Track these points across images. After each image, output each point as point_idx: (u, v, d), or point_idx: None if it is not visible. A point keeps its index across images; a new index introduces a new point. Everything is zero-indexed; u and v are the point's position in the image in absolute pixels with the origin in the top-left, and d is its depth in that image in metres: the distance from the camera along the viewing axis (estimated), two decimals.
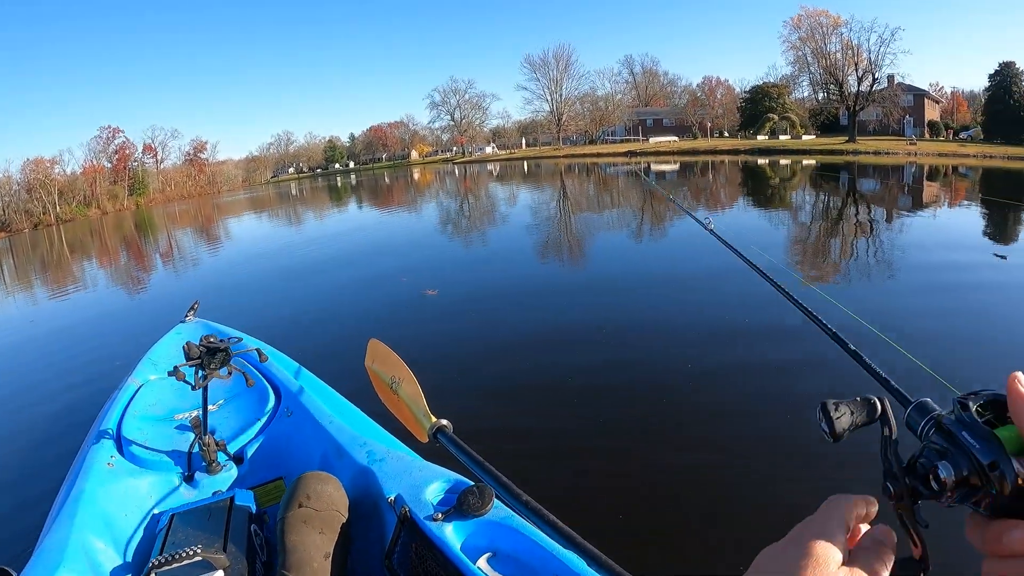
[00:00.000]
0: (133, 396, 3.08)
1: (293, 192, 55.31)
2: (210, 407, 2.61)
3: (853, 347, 0.72)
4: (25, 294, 15.35)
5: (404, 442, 2.59)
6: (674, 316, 7.25)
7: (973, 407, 0.51)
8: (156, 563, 1.69)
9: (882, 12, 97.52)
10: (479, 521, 1.80)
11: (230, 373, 2.49)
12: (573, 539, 1.54)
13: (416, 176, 58.89)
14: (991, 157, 35.89)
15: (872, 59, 49.96)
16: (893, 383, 0.69)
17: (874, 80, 50.35)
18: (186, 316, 4.12)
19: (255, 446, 2.68)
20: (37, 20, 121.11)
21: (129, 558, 2.03)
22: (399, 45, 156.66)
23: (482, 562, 1.69)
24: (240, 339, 2.77)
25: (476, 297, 8.98)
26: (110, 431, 2.69)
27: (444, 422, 2.24)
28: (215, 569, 1.73)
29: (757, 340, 6.10)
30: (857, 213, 16.06)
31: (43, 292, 15.23)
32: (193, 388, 2.44)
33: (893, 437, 0.55)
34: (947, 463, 0.50)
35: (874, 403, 0.58)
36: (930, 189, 22.04)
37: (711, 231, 2.58)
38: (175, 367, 2.37)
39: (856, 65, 50.87)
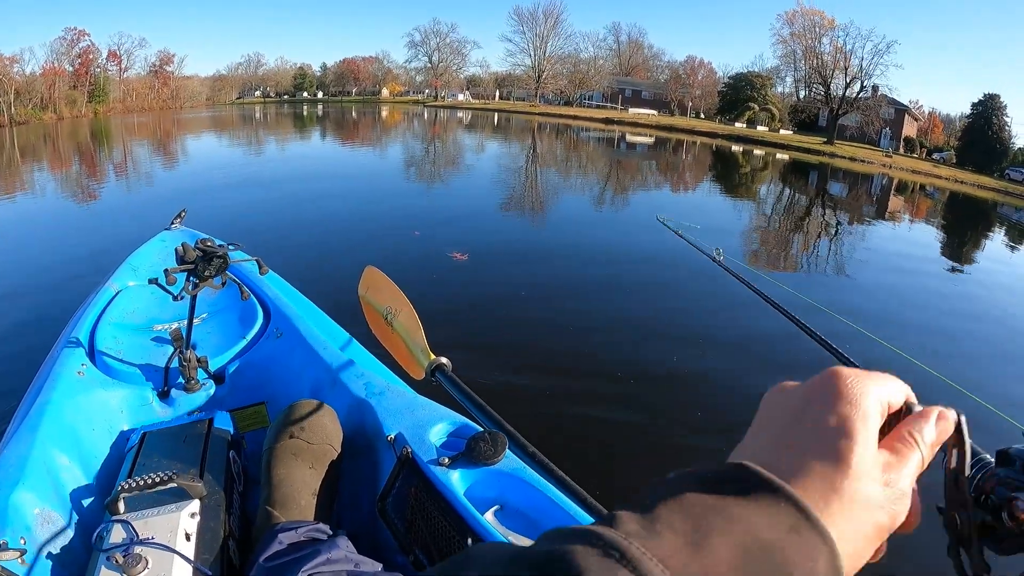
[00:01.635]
0: (109, 303, 2.87)
1: (256, 116, 55.33)
2: (194, 320, 2.41)
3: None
4: None
5: (402, 379, 2.34)
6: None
7: None
8: (126, 486, 1.51)
9: (875, 23, 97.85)
10: (489, 470, 1.68)
11: (224, 283, 2.27)
12: (583, 497, 1.41)
13: (384, 114, 58.77)
14: (962, 183, 37.08)
15: (863, 66, 50.31)
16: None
17: (862, 87, 50.78)
18: (172, 223, 3.89)
19: (237, 366, 2.48)
20: None
21: (94, 477, 1.88)
22: None
23: (489, 515, 1.60)
24: (239, 246, 2.37)
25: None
26: (82, 338, 2.49)
27: (444, 360, 2.03)
28: (190, 498, 1.56)
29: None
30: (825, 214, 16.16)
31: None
32: (176, 298, 2.22)
33: (965, 468, 0.44)
34: None
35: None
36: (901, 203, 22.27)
37: (720, 263, 2.52)
38: (165, 270, 2.15)
39: (846, 69, 51.12)
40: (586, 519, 1.43)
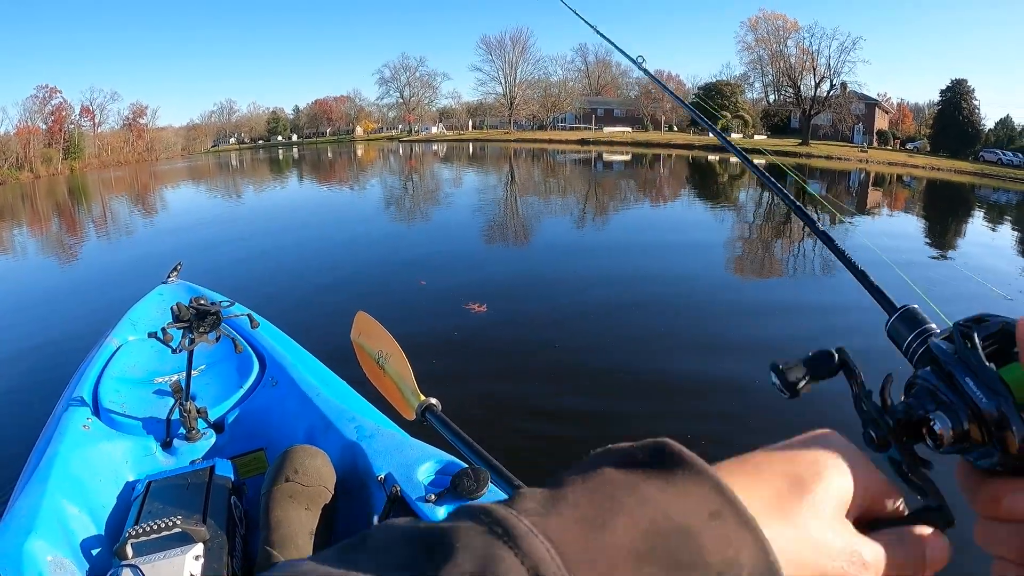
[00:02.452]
0: (111, 357, 2.98)
1: (233, 163, 55.09)
2: (192, 372, 2.49)
3: (841, 247, 0.65)
4: None
5: (392, 421, 2.47)
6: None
7: (978, 341, 0.41)
8: (133, 533, 1.61)
9: (839, 21, 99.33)
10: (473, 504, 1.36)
11: (218, 338, 2.40)
12: None
13: (359, 152, 58.76)
14: (938, 169, 37.42)
15: (831, 65, 50.87)
16: (876, 283, 0.58)
17: (832, 86, 51.31)
18: (168, 277, 4.02)
19: (236, 415, 2.59)
20: None
21: (103, 525, 1.94)
22: (349, 16, 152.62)
23: None
24: (231, 303, 2.63)
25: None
26: (86, 393, 2.60)
27: (433, 400, 2.16)
28: (195, 542, 1.64)
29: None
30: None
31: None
32: (174, 351, 2.36)
33: (864, 389, 0.44)
34: (943, 414, 0.41)
35: (830, 354, 0.46)
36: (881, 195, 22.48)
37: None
38: (162, 328, 2.31)
39: (814, 70, 51.71)
40: None
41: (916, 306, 0.48)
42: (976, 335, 0.41)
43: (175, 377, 2.57)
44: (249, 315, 2.64)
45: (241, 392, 2.69)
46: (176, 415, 2.41)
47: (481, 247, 11.24)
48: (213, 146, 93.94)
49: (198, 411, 2.43)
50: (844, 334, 5.96)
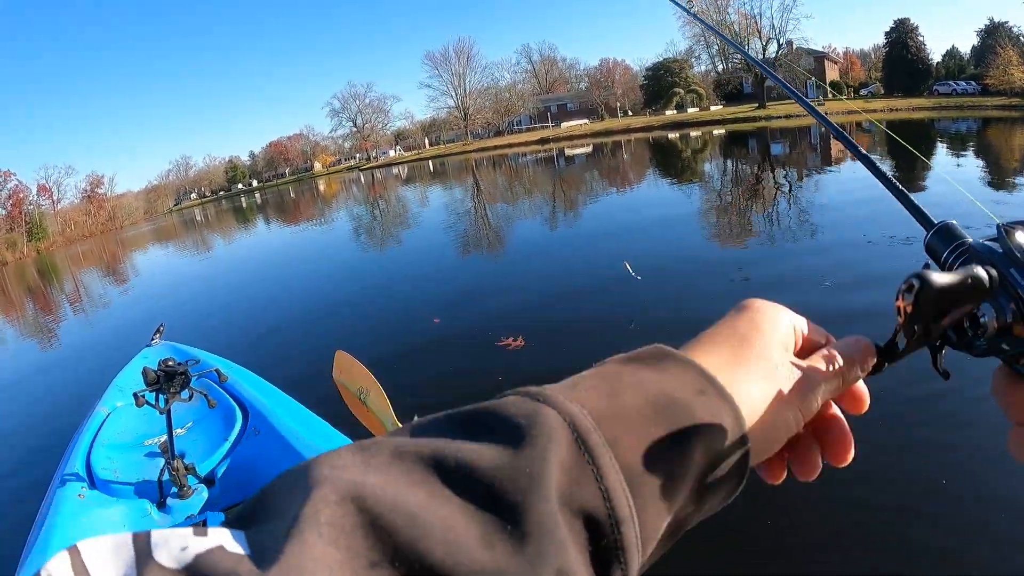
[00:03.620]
0: (101, 425, 3.06)
1: (197, 218, 54.97)
2: (178, 430, 2.54)
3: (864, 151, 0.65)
4: None
5: None
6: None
7: (1021, 235, 0.41)
8: None
9: None
10: None
11: (191, 396, 2.44)
12: None
13: (322, 188, 58.51)
14: (897, 110, 38.01)
15: (775, 25, 51.98)
16: (915, 200, 0.57)
17: (779, 46, 52.29)
18: (152, 339, 4.08)
19: (225, 467, 2.63)
20: None
21: None
22: (293, 54, 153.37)
23: None
24: (198, 361, 2.65)
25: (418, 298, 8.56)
26: (79, 463, 2.66)
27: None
28: None
29: None
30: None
31: None
32: (161, 412, 2.39)
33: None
34: (988, 304, 0.40)
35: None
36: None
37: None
38: (134, 393, 2.34)
39: (759, 33, 52.67)
40: None
41: (954, 221, 0.49)
42: (1020, 233, 0.41)
43: (163, 438, 2.61)
44: (217, 369, 2.66)
45: (227, 445, 2.75)
46: (167, 476, 2.45)
47: (454, 261, 11.19)
48: (175, 204, 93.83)
49: (187, 468, 2.48)
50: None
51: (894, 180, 0.60)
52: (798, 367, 0.43)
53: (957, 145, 18.68)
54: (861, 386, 0.47)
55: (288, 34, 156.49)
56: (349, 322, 8.14)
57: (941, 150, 18.27)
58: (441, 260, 11.26)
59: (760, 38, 52.39)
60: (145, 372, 2.38)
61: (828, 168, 16.40)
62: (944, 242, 0.48)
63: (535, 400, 0.33)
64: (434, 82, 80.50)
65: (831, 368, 0.43)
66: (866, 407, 0.46)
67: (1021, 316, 0.38)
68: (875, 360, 0.44)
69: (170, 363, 2.43)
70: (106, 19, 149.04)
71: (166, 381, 2.39)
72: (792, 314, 0.46)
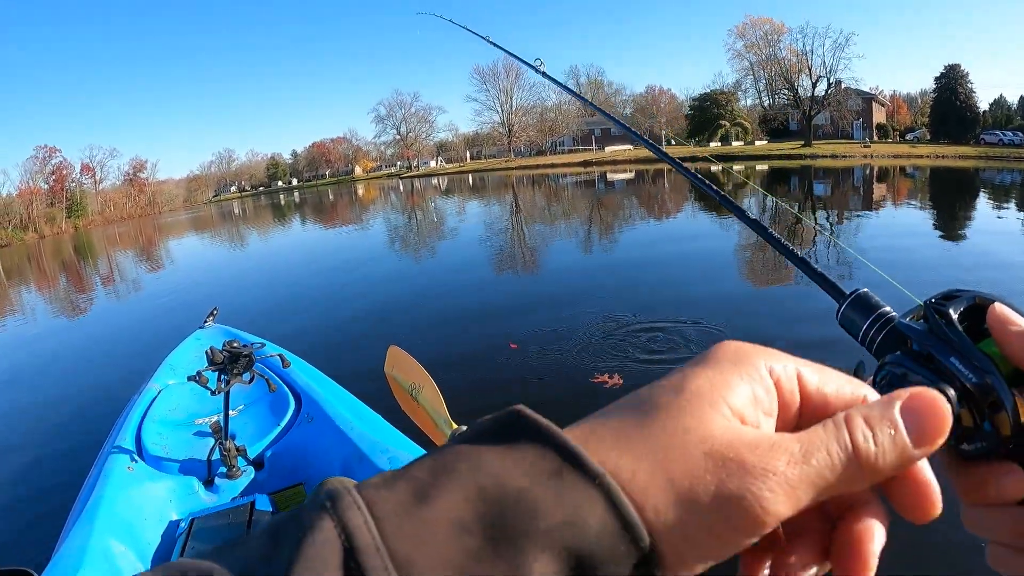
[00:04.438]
0: (152, 401, 3.12)
1: (235, 211, 55.12)
2: (231, 412, 2.60)
3: (776, 235, 0.56)
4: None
5: (426, 450, 2.48)
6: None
7: (955, 316, 0.38)
8: None
9: (819, 20, 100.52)
10: None
11: (252, 378, 2.52)
12: None
13: (360, 192, 58.62)
14: (943, 157, 37.70)
15: (827, 64, 51.46)
16: (819, 269, 0.54)
17: (829, 84, 51.86)
18: (205, 322, 4.24)
19: (274, 451, 2.70)
20: None
21: (148, 562, 2.04)
22: (342, 58, 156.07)
23: None
24: (263, 344, 2.75)
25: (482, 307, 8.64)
26: (130, 436, 2.74)
27: (465, 428, 2.10)
28: None
29: None
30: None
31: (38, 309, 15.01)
32: (213, 393, 2.46)
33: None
34: None
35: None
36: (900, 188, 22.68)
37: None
38: (198, 372, 2.41)
39: (810, 70, 52.33)
40: None
41: (867, 289, 0.46)
42: (951, 310, 0.38)
43: (214, 418, 2.70)
44: (281, 355, 2.75)
45: (278, 429, 2.81)
46: (216, 454, 2.52)
47: (530, 283, 10.46)
48: (214, 196, 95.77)
49: (238, 449, 2.55)
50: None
51: (795, 251, 0.57)
52: (753, 441, 0.29)
53: (1000, 196, 18.78)
54: (925, 474, 0.32)
55: (340, 37, 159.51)
56: (393, 317, 8.42)
57: (982, 201, 18.33)
58: (512, 279, 10.84)
59: (810, 75, 52.28)
60: (212, 352, 2.45)
61: (865, 212, 16.50)
62: (862, 313, 0.44)
63: (323, 508, 0.26)
64: (481, 96, 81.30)
65: (840, 442, 0.29)
66: (934, 508, 0.31)
67: (964, 401, 0.35)
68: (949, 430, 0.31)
69: (235, 345, 2.51)
70: (167, 11, 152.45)
71: (231, 362, 2.46)
72: (777, 357, 0.33)
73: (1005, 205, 16.34)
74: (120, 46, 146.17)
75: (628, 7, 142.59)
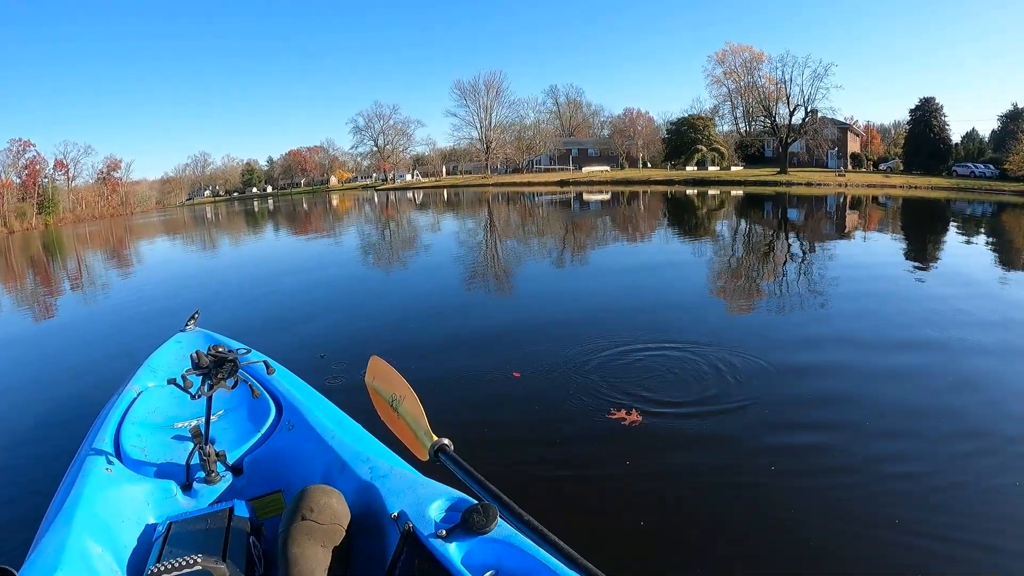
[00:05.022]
0: (132, 403, 3.11)
1: (209, 216, 55.09)
2: (211, 417, 2.60)
3: None
4: None
5: (406, 460, 2.55)
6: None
7: None
8: (155, 571, 1.69)
9: (798, 48, 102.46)
10: (483, 539, 1.79)
11: (236, 384, 2.51)
12: (576, 559, 1.59)
13: (335, 203, 58.74)
14: (915, 188, 38.71)
15: (804, 92, 52.41)
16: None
17: (807, 113, 52.75)
18: (186, 325, 4.20)
19: (254, 457, 2.67)
20: None
21: (125, 565, 2.03)
22: (322, 68, 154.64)
23: None
24: (248, 350, 2.70)
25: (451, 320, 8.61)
26: (108, 437, 2.71)
27: (446, 441, 2.31)
28: None
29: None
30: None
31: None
32: (193, 397, 2.45)
33: None
34: None
35: None
36: (871, 215, 23.12)
37: None
38: (182, 375, 2.37)
39: (788, 99, 53.18)
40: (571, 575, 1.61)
41: None
42: None
43: (194, 422, 2.70)
44: (265, 362, 2.78)
45: (258, 436, 2.80)
46: (196, 459, 2.52)
47: (488, 299, 10.31)
48: (188, 199, 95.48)
49: (217, 455, 2.54)
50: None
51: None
52: None
53: (971, 227, 19.19)
54: None
55: (321, 46, 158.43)
56: (372, 329, 8.33)
57: (952, 231, 18.75)
58: (507, 301, 10.10)
59: (788, 104, 52.98)
60: (198, 356, 2.45)
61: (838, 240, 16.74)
62: None
63: None
64: (460, 111, 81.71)
65: None
66: None
67: None
68: None
69: (220, 349, 2.50)
70: (150, 11, 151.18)
71: (215, 367, 2.46)
72: None
73: (973, 237, 16.74)
74: (100, 44, 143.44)
75: (610, 31, 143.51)
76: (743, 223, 20.90)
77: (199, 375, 2.45)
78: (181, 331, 4.14)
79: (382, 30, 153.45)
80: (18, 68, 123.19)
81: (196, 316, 4.32)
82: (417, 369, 6.14)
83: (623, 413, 4.90)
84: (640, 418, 4.82)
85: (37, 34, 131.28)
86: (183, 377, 2.37)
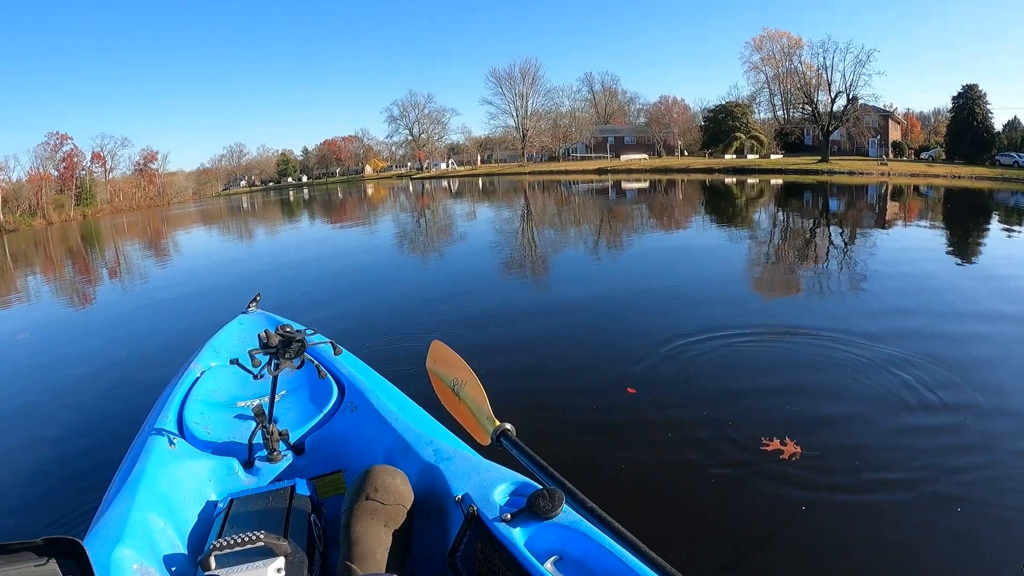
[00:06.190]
0: (195, 382, 3.22)
1: (245, 206, 55.11)
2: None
3: None
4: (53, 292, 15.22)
5: (468, 444, 2.56)
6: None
7: None
8: (217, 545, 1.72)
9: (835, 34, 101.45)
10: (547, 524, 1.79)
11: (302, 363, 2.57)
12: (642, 549, 1.60)
13: (370, 191, 58.56)
14: (959, 177, 38.20)
15: (847, 79, 51.68)
16: None
17: (849, 100, 51.99)
18: (248, 307, 4.32)
19: (316, 438, 2.73)
20: None
21: (186, 539, 2.10)
22: (356, 58, 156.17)
23: (548, 565, 1.70)
24: (315, 331, 2.78)
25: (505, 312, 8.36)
26: (172, 414, 2.82)
27: (508, 426, 2.36)
28: (276, 556, 1.75)
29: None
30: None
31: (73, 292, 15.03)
32: (256, 377, 2.54)
33: None
34: None
35: None
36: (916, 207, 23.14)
37: None
38: (250, 352, 2.46)
39: (829, 85, 52.50)
40: (639, 566, 1.58)
41: None
42: None
43: (256, 401, 2.79)
44: (332, 342, 2.79)
45: (320, 416, 2.83)
46: (258, 437, 2.56)
47: (585, 293, 9.23)
48: (224, 189, 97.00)
49: (279, 433, 2.59)
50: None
51: None
52: None
53: (1014, 219, 18.57)
54: None
55: (355, 33, 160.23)
56: (433, 314, 8.28)
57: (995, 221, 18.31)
58: (612, 297, 8.91)
59: (829, 91, 52.38)
60: (267, 335, 2.49)
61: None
62: None
63: None
64: (496, 100, 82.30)
65: None
66: None
67: None
68: None
69: (288, 330, 2.54)
70: (185, 3, 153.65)
71: (283, 346, 2.49)
72: None
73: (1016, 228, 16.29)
74: (136, 36, 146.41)
75: (646, 16, 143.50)
76: (827, 215, 20.36)
77: (267, 354, 2.50)
78: (243, 313, 4.23)
79: (415, 18, 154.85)
80: (55, 60, 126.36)
81: (258, 298, 4.42)
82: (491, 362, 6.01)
83: (777, 443, 4.07)
84: (799, 449, 4.01)
85: (73, 24, 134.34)
86: (250, 355, 2.44)
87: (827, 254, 12.49)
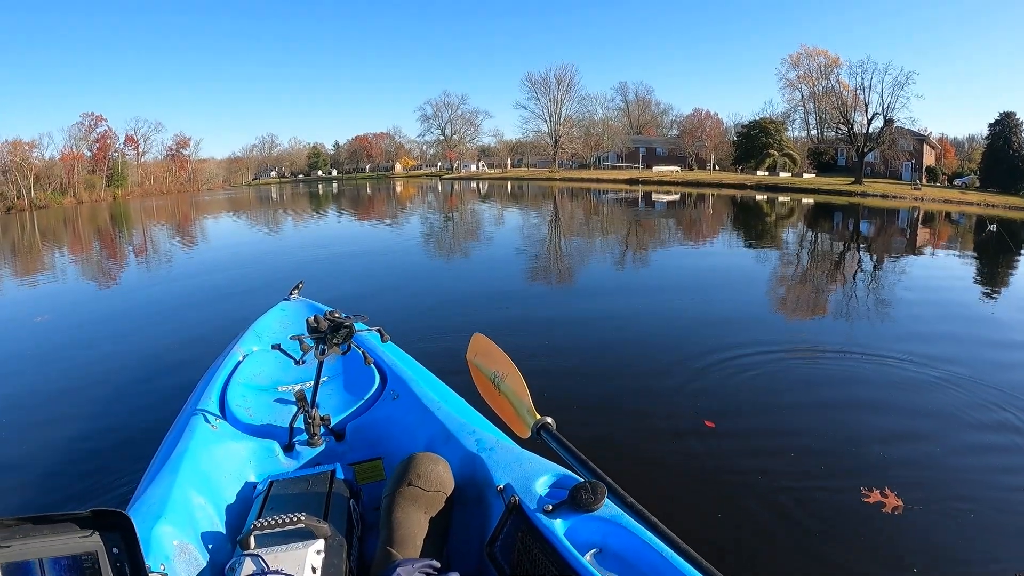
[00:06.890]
0: (237, 366, 3.28)
1: (273, 196, 55.83)
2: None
3: None
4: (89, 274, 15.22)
5: (508, 435, 2.60)
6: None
7: None
8: (257, 525, 1.73)
9: (877, 55, 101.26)
10: (589, 517, 1.80)
11: (348, 349, 2.60)
12: (682, 546, 1.62)
13: (398, 189, 58.96)
14: (992, 206, 37.81)
15: (884, 100, 51.24)
16: None
17: (885, 122, 51.46)
18: (290, 294, 4.42)
19: (356, 424, 2.74)
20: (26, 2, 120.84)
21: (225, 518, 2.13)
22: (392, 55, 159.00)
23: (588, 557, 1.71)
24: (363, 318, 2.70)
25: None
26: (214, 396, 2.86)
27: (548, 419, 2.37)
28: (316, 538, 1.76)
29: None
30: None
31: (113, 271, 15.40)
32: (298, 363, 2.62)
33: None
34: None
35: None
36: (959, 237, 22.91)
37: None
38: (298, 337, 2.53)
39: (866, 106, 52.07)
40: (684, 566, 1.58)
41: None
42: None
43: (298, 386, 2.84)
44: (380, 330, 2.78)
45: (362, 402, 2.85)
46: (299, 421, 2.60)
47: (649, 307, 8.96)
48: (254, 179, 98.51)
49: (321, 418, 2.61)
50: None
51: None
52: None
53: None
54: None
55: (391, 28, 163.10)
56: (471, 308, 8.67)
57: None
58: (685, 316, 8.38)
59: (866, 112, 51.94)
60: (316, 319, 2.52)
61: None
62: None
63: None
64: (530, 104, 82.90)
65: None
66: None
67: None
68: None
69: (336, 315, 2.57)
70: None
71: (331, 331, 2.52)
72: None
73: None
74: (179, 22, 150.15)
75: (683, 28, 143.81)
76: (865, 240, 20.14)
77: (315, 338, 2.54)
78: (285, 299, 4.31)
79: (452, 19, 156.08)
80: (96, 41, 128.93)
81: (300, 286, 4.49)
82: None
83: (878, 495, 3.68)
84: (901, 502, 3.61)
85: (117, 5, 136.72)
86: (298, 339, 2.52)
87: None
